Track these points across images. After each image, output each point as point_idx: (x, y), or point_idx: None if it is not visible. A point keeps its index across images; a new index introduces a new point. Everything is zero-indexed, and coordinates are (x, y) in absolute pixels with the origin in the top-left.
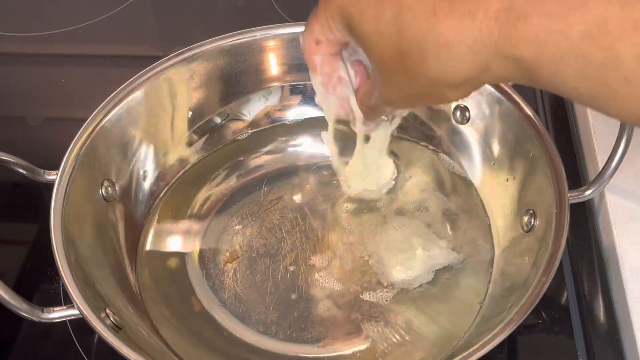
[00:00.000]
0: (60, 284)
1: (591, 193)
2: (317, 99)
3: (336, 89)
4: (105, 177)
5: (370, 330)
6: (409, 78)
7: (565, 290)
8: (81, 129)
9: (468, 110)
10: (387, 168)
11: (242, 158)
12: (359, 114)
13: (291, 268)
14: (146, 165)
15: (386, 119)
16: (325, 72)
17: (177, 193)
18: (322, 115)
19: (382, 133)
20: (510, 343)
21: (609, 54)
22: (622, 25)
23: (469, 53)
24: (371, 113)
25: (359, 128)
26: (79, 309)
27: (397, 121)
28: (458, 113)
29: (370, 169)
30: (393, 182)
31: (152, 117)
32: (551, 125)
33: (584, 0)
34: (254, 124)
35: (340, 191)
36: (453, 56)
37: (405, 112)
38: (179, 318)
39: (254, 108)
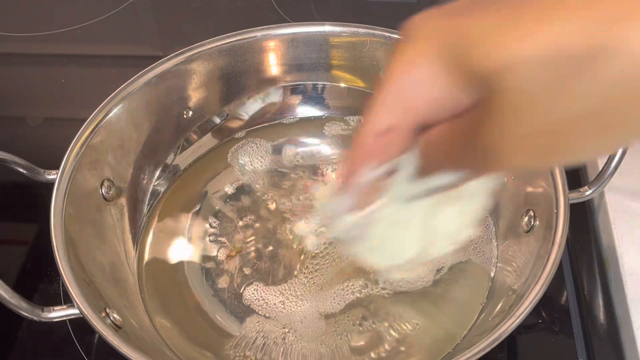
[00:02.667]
0: (60, 284)
1: (591, 193)
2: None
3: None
4: (105, 177)
5: (369, 330)
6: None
7: (565, 290)
8: (81, 129)
9: None
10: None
11: (241, 157)
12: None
13: (290, 267)
14: (146, 165)
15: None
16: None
17: (177, 193)
18: (321, 114)
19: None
20: (510, 343)
21: None
22: None
23: None
24: (441, 162)
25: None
26: (79, 308)
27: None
28: None
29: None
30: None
31: (152, 117)
32: None
33: None
34: (253, 123)
35: None
36: None
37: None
38: (179, 317)
39: (254, 108)
